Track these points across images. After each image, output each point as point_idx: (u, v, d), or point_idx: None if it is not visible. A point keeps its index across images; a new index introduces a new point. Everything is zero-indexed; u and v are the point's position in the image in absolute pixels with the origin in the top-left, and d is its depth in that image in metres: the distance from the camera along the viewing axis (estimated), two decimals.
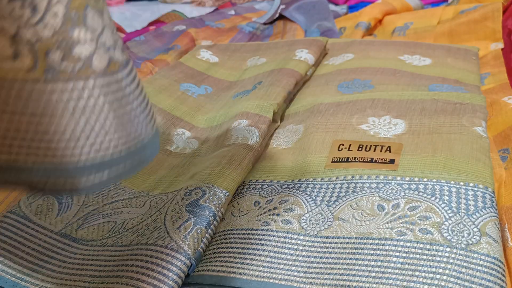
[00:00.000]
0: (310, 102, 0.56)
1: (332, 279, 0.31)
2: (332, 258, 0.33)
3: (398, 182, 0.39)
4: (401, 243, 0.33)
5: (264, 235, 0.37)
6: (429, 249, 0.32)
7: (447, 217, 0.34)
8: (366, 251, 0.33)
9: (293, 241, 0.36)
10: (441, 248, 0.32)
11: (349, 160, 0.43)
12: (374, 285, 0.30)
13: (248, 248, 0.36)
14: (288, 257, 0.34)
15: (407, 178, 0.39)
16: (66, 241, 0.39)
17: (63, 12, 0.20)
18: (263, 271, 0.33)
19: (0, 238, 0.38)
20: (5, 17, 0.19)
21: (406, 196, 0.37)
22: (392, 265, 0.31)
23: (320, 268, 0.33)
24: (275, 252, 0.35)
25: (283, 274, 0.33)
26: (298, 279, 0.32)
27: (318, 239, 0.35)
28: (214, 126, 0.56)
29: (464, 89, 0.56)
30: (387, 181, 0.39)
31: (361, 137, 0.45)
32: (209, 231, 0.37)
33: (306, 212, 0.38)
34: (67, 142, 0.21)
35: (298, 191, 0.41)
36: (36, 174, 0.22)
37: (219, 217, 0.38)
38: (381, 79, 0.60)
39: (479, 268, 0.30)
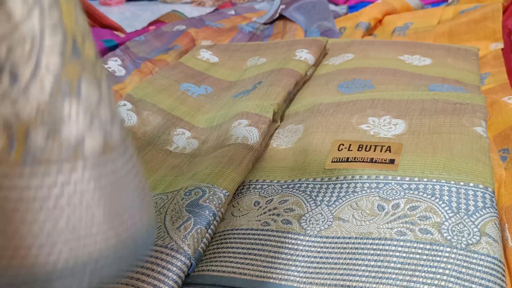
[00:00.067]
0: (310, 102, 0.56)
1: (332, 279, 0.31)
2: (332, 258, 0.33)
3: (398, 182, 0.39)
4: (401, 243, 0.33)
5: (264, 235, 0.37)
6: (429, 249, 0.32)
7: (447, 217, 0.34)
8: (366, 251, 0.33)
9: (293, 241, 0.36)
10: (441, 248, 0.32)
11: (349, 160, 0.43)
12: (374, 285, 0.30)
13: (248, 248, 0.36)
14: (288, 257, 0.34)
15: (407, 178, 0.39)
16: None
17: (51, 82, 0.16)
18: (263, 271, 0.33)
19: None
20: None
21: (406, 196, 0.37)
22: (392, 265, 0.31)
23: (320, 268, 0.33)
24: (275, 252, 0.35)
25: (283, 274, 0.33)
26: (298, 279, 0.32)
27: (318, 239, 0.35)
28: (214, 126, 0.56)
29: (464, 89, 0.56)
30: (387, 181, 0.39)
31: (361, 137, 0.45)
32: (209, 231, 0.37)
33: (306, 212, 0.38)
34: (39, 249, 0.17)
35: (298, 191, 0.41)
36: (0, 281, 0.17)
37: (219, 217, 0.38)
38: (381, 79, 0.60)
39: (479, 268, 0.30)
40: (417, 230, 0.34)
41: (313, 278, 0.32)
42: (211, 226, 0.37)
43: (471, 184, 0.37)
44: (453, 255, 0.31)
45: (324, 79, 0.64)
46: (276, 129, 0.53)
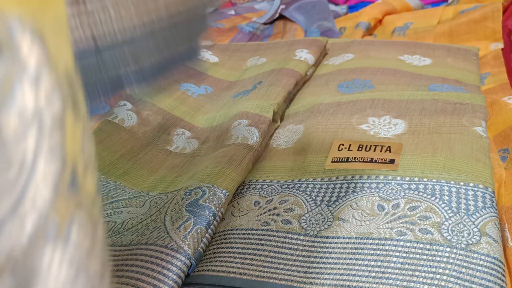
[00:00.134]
0: (310, 102, 0.56)
1: (332, 279, 0.31)
2: (332, 258, 0.33)
3: (398, 182, 0.39)
4: (401, 243, 0.33)
5: (264, 235, 0.37)
6: (429, 249, 0.32)
7: (447, 217, 0.34)
8: (366, 251, 0.33)
9: (293, 241, 0.36)
10: (441, 248, 0.32)
11: (349, 160, 0.43)
12: (374, 285, 0.30)
13: (248, 248, 0.36)
14: (288, 257, 0.34)
15: (407, 178, 0.39)
16: None
17: (35, 222, 0.12)
18: (263, 271, 0.33)
19: None
20: None
21: (406, 196, 0.37)
22: (392, 265, 0.31)
23: (320, 268, 0.33)
24: (275, 252, 0.35)
25: (283, 274, 0.33)
26: (298, 279, 0.32)
27: (318, 239, 0.35)
28: (214, 126, 0.56)
29: (464, 89, 0.56)
30: (387, 181, 0.39)
31: (361, 137, 0.45)
32: (209, 231, 0.37)
33: (306, 212, 0.38)
34: None
35: (298, 191, 0.41)
36: None
37: (219, 217, 0.38)
38: (381, 79, 0.60)
39: (479, 268, 0.30)
40: (417, 230, 0.34)
41: (313, 278, 0.32)
42: (211, 226, 0.37)
43: (471, 184, 0.37)
44: (453, 255, 0.31)
45: (324, 79, 0.64)
46: (276, 129, 0.53)
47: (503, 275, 0.30)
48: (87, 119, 0.14)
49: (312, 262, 0.33)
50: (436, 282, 0.29)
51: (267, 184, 0.43)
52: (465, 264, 0.30)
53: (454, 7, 0.90)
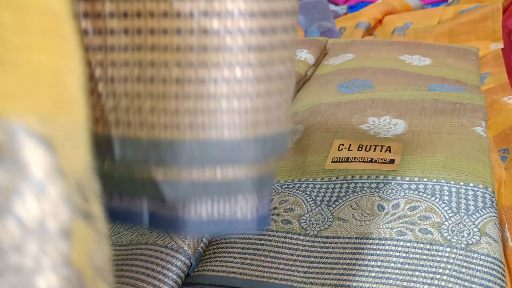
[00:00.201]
0: (310, 102, 0.56)
1: (332, 279, 0.31)
2: (332, 258, 0.33)
3: (398, 182, 0.39)
4: (401, 243, 0.33)
5: (264, 235, 0.37)
6: (429, 249, 0.32)
7: (447, 217, 0.34)
8: (366, 251, 0.33)
9: (293, 241, 0.36)
10: (441, 248, 0.32)
11: (349, 160, 0.43)
12: (374, 285, 0.30)
13: (248, 248, 0.36)
14: (288, 257, 0.34)
15: (407, 178, 0.39)
16: None
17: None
18: (263, 271, 0.33)
19: None
20: None
21: (406, 196, 0.37)
22: (392, 265, 0.31)
23: (320, 268, 0.33)
24: (275, 252, 0.35)
25: (283, 274, 0.33)
26: (298, 279, 0.32)
27: (318, 239, 0.35)
28: None
29: (464, 89, 0.56)
30: (387, 181, 0.39)
31: (361, 137, 0.45)
32: None
33: (306, 212, 0.38)
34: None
35: (298, 191, 0.41)
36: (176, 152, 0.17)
37: None
38: (381, 79, 0.60)
39: (479, 268, 0.30)
40: (417, 230, 0.34)
41: (313, 278, 0.32)
42: None
43: (471, 184, 0.37)
44: (453, 255, 0.31)
45: (324, 79, 0.64)
46: None
47: (503, 275, 0.30)
48: (102, 224, 0.14)
49: (312, 262, 0.33)
50: (436, 282, 0.29)
51: None
52: (465, 264, 0.30)
53: (454, 7, 0.90)
